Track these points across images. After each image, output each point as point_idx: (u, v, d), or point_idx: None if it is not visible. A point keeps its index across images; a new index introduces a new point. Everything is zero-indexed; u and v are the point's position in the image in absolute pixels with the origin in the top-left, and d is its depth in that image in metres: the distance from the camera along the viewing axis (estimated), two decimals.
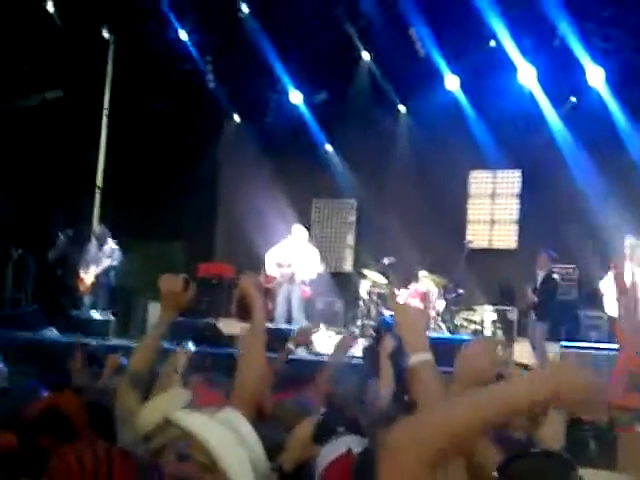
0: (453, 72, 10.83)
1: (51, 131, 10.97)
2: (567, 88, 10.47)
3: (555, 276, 8.99)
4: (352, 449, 2.20)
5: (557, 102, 10.52)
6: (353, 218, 12.03)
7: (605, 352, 7.51)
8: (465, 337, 9.15)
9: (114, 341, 8.72)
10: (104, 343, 8.17)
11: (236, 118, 12.62)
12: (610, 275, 8.11)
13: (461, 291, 9.62)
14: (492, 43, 10.41)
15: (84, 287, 9.56)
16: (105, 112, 11.64)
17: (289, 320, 8.92)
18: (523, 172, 11.07)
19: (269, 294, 9.53)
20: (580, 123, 10.20)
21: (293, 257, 9.06)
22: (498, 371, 1.92)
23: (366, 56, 11.40)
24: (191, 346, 4.99)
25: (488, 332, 9.10)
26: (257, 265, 9.46)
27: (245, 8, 10.89)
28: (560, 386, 1.30)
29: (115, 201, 11.33)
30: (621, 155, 9.92)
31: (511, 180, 11.27)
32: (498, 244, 11.21)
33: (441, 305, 9.44)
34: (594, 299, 8.92)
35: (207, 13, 11.21)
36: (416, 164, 11.30)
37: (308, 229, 10.37)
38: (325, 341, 9.17)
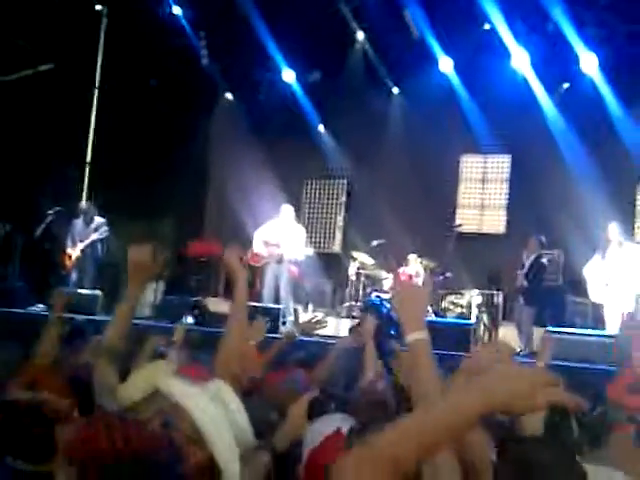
0: (447, 54, 10.79)
1: (40, 105, 10.84)
2: (560, 74, 10.46)
3: (543, 260, 9.03)
4: (341, 428, 2.21)
5: (550, 88, 10.51)
6: (344, 199, 12.02)
7: (589, 338, 7.57)
8: (451, 320, 9.22)
9: (101, 317, 8.71)
10: (91, 318, 8.15)
11: (228, 96, 12.54)
12: (594, 261, 8.17)
13: (449, 274, 9.66)
14: (486, 26, 10.37)
15: (70, 263, 9.51)
16: (96, 87, 11.53)
17: (276, 300, 8.93)
18: (513, 157, 11.08)
19: (257, 273, 9.54)
20: (572, 109, 10.20)
21: (281, 237, 9.04)
22: None
23: (360, 36, 11.34)
24: (190, 320, 5.03)
25: (474, 316, 9.16)
26: (246, 244, 9.45)
27: None
28: (503, 396, 1.26)
29: (104, 177, 11.25)
30: (613, 141, 9.93)
31: (501, 165, 11.29)
32: (487, 229, 11.25)
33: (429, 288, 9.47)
34: (579, 285, 8.98)
35: None
36: (408, 146, 11.29)
37: (298, 209, 10.35)
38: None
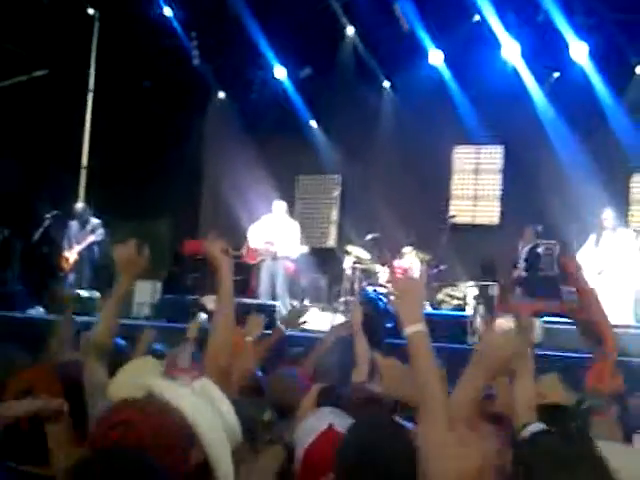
0: (437, 47, 10.80)
1: (36, 110, 10.91)
2: (551, 63, 10.45)
3: (539, 250, 9.06)
4: (333, 424, 2.17)
5: (540, 77, 10.51)
6: (337, 194, 12.04)
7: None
8: (447, 312, 9.27)
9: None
10: (90, 320, 8.21)
11: (221, 95, 12.57)
12: (586, 247, 8.20)
13: (443, 267, 9.69)
14: (476, 18, 10.38)
15: (68, 265, 9.57)
16: (90, 90, 11.58)
17: (273, 296, 8.98)
18: (506, 147, 11.09)
19: (253, 270, 9.59)
20: (563, 98, 10.19)
21: (275, 234, 9.09)
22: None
23: (350, 31, 11.36)
24: (204, 316, 5.07)
25: (470, 308, 9.19)
26: (242, 240, 9.50)
27: None
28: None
29: (101, 180, 11.31)
30: (604, 130, 9.93)
31: (494, 156, 11.29)
32: (481, 220, 11.27)
33: (424, 280, 9.50)
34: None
35: None
36: (400, 139, 11.31)
37: (292, 205, 10.38)
38: (315, 319, 9.27)
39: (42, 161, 11.18)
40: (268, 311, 8.15)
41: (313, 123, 11.95)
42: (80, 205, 10.02)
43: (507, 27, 10.19)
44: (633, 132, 9.84)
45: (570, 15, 9.78)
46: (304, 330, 8.50)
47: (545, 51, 10.24)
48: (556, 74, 10.51)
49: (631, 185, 10.26)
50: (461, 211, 11.07)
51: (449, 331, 7.79)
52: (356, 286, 9.67)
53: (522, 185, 10.46)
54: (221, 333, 2.35)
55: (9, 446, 2.14)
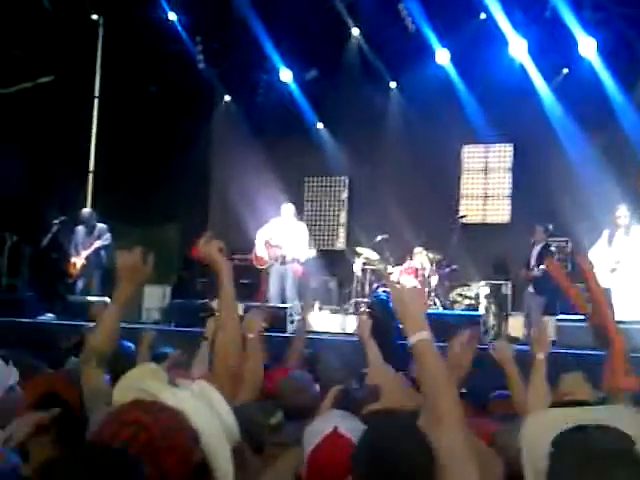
0: (443, 46, 10.76)
1: (42, 116, 10.93)
2: (559, 60, 10.38)
3: (552, 248, 8.99)
4: (338, 427, 2.12)
5: (549, 74, 10.45)
6: (345, 195, 12.02)
7: None
8: (460, 312, 9.20)
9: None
10: None
11: (227, 98, 12.57)
12: (598, 245, 8.10)
13: (455, 266, 9.63)
14: (482, 16, 10.34)
15: (75, 271, 9.55)
16: (96, 96, 11.60)
17: (283, 300, 8.93)
18: (515, 146, 11.03)
19: (263, 275, 9.55)
20: (572, 95, 10.11)
21: (283, 236, 9.04)
22: None
23: (356, 32, 11.33)
24: None
25: (482, 307, 9.12)
26: (250, 245, 9.46)
27: None
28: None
29: (108, 185, 11.32)
30: (613, 126, 9.85)
31: (503, 154, 11.24)
32: (491, 219, 11.21)
33: (435, 281, 9.46)
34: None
35: None
36: (408, 140, 11.26)
37: (301, 207, 10.33)
38: (320, 319, 9.24)
39: (49, 167, 11.19)
40: (279, 314, 8.15)
41: (320, 125, 11.93)
42: (86, 210, 10.00)
43: (514, 24, 10.13)
44: None
45: (578, 10, 9.72)
46: (312, 332, 8.55)
47: (553, 48, 10.17)
48: (565, 70, 10.44)
49: None
50: (471, 210, 11.02)
51: (462, 331, 7.70)
52: (366, 287, 9.63)
53: (532, 183, 10.39)
54: (228, 334, 2.32)
55: None
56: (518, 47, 10.28)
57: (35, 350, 5.48)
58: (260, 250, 9.10)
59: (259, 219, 10.15)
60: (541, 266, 8.63)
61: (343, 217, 12.06)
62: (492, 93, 10.32)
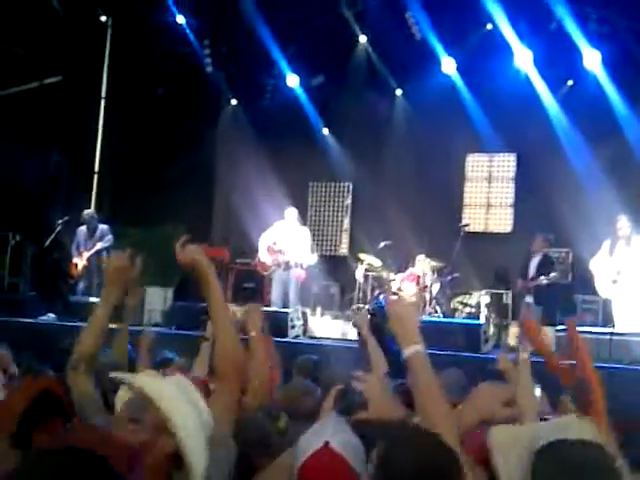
0: (449, 55, 10.81)
1: (49, 116, 10.97)
2: (564, 71, 10.43)
3: (553, 258, 9.02)
4: (329, 442, 1.92)
5: (553, 86, 10.49)
6: (349, 201, 12.05)
7: (600, 336, 7.53)
8: (460, 320, 9.21)
9: (111, 325, 8.74)
10: None
11: (233, 102, 12.61)
12: (600, 255, 8.11)
13: (456, 274, 9.65)
14: (489, 26, 10.39)
15: (77, 271, 9.56)
16: (103, 97, 11.64)
17: (285, 304, 8.95)
18: (518, 156, 11.07)
19: (266, 279, 9.58)
20: (576, 106, 10.16)
21: (286, 241, 9.05)
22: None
23: (363, 39, 11.38)
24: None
25: (483, 316, 9.14)
26: (253, 249, 9.48)
27: None
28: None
29: (113, 186, 11.36)
30: (617, 138, 9.89)
31: (507, 164, 11.28)
32: (494, 228, 11.24)
33: (437, 288, 9.48)
34: (588, 283, 8.93)
35: None
36: (413, 147, 11.30)
37: (304, 212, 10.34)
38: (321, 325, 9.26)
39: (55, 167, 11.23)
40: (281, 318, 8.18)
41: (325, 130, 11.96)
42: (88, 211, 9.98)
43: (520, 35, 10.18)
44: None
45: (583, 23, 9.77)
46: (314, 337, 8.57)
47: (558, 59, 10.21)
48: (569, 82, 10.49)
49: None
50: (474, 219, 11.06)
51: (462, 339, 7.73)
52: (368, 294, 9.64)
53: (535, 193, 10.43)
54: (225, 337, 2.25)
55: None
56: (524, 58, 10.33)
57: (35, 350, 5.54)
58: (263, 256, 9.12)
59: (262, 223, 10.17)
60: (542, 277, 8.65)
61: (346, 223, 12.08)
62: (497, 103, 10.37)
